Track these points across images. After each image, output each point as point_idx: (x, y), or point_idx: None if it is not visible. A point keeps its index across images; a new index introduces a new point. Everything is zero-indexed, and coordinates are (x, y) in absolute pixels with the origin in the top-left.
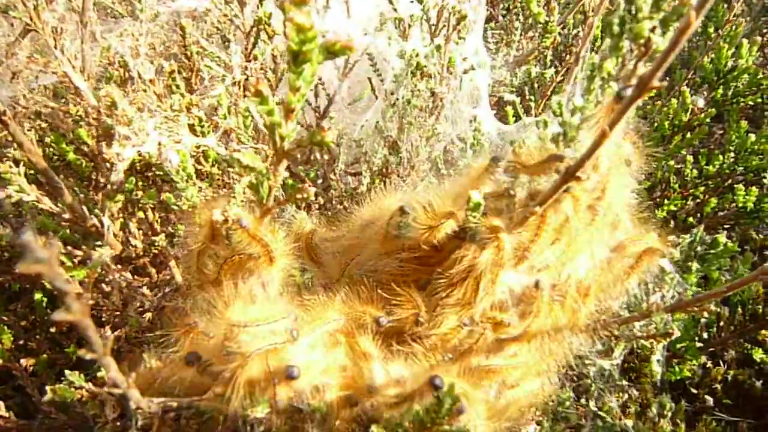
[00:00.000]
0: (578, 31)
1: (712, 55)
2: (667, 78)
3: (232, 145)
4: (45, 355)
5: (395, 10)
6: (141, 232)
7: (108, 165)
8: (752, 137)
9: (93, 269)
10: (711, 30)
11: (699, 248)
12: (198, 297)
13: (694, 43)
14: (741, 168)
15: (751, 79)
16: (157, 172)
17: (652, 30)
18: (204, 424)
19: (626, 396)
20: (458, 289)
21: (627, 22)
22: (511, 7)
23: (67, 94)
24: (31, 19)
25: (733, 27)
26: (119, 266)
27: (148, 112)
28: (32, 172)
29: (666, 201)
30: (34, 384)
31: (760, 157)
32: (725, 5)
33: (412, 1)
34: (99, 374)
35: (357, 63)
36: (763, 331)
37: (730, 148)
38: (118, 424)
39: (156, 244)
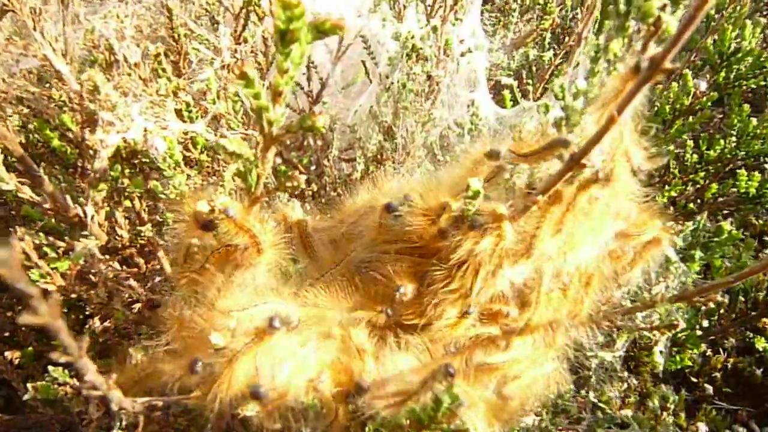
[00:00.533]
0: (577, 13)
1: (715, 37)
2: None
3: (222, 131)
4: (31, 348)
5: None
6: (128, 221)
7: (92, 152)
8: (754, 121)
9: (75, 261)
10: (713, 11)
11: (702, 236)
12: (186, 289)
13: (696, 25)
14: (742, 153)
15: (754, 62)
16: (144, 160)
17: (662, 8)
18: (194, 420)
19: (625, 386)
20: (456, 280)
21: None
22: None
23: (51, 78)
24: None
25: (737, 8)
26: (107, 257)
27: (133, 97)
28: (14, 159)
29: (666, 187)
30: (20, 377)
31: (762, 141)
32: None
33: None
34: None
35: (350, 46)
36: (764, 319)
37: (732, 132)
38: (104, 421)
39: (142, 234)
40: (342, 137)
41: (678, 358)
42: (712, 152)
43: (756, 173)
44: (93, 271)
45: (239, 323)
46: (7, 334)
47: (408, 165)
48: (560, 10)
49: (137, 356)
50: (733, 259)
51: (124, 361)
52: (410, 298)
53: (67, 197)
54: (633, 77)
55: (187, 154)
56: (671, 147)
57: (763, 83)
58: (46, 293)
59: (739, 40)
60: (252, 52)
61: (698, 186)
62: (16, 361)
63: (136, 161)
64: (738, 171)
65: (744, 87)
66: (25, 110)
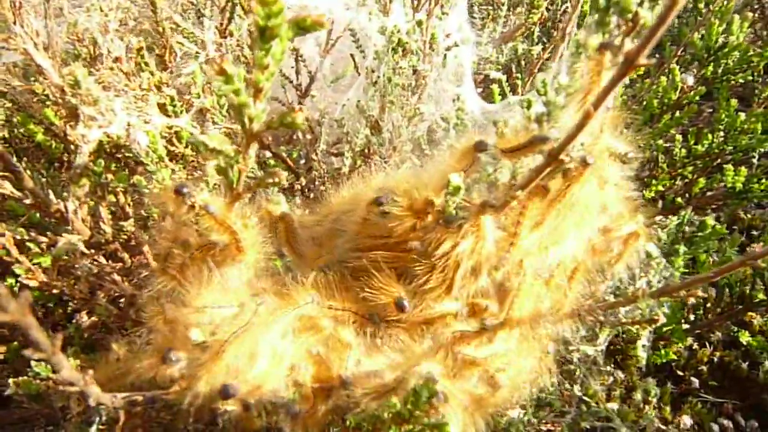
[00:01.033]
0: (566, 7)
1: (703, 32)
2: (657, 55)
3: (208, 125)
4: (16, 342)
5: None
6: (113, 216)
7: (74, 147)
8: (742, 116)
9: (57, 256)
10: (701, 5)
11: (687, 230)
12: (169, 285)
13: (684, 19)
14: (730, 147)
15: (741, 56)
16: (128, 154)
17: (640, 4)
18: (178, 414)
19: (611, 379)
20: (437, 276)
21: None
22: None
23: (35, 73)
24: None
25: (725, 2)
26: (92, 251)
27: (115, 92)
28: None
29: (654, 181)
30: (6, 372)
31: (750, 136)
32: None
33: None
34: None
35: (339, 39)
36: (750, 313)
37: (720, 126)
38: (86, 416)
39: (125, 229)
40: (331, 131)
41: (664, 351)
42: (700, 147)
43: (743, 168)
44: (75, 266)
45: (221, 322)
46: None
47: (395, 160)
48: (550, 4)
49: (119, 351)
50: (719, 253)
51: (107, 355)
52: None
53: (50, 192)
54: (600, 62)
55: (172, 148)
56: (660, 141)
57: (750, 78)
58: (27, 289)
59: (726, 34)
60: (238, 45)
61: (686, 180)
62: (1, 356)
63: (120, 156)
64: (725, 166)
65: (732, 82)
66: (8, 104)
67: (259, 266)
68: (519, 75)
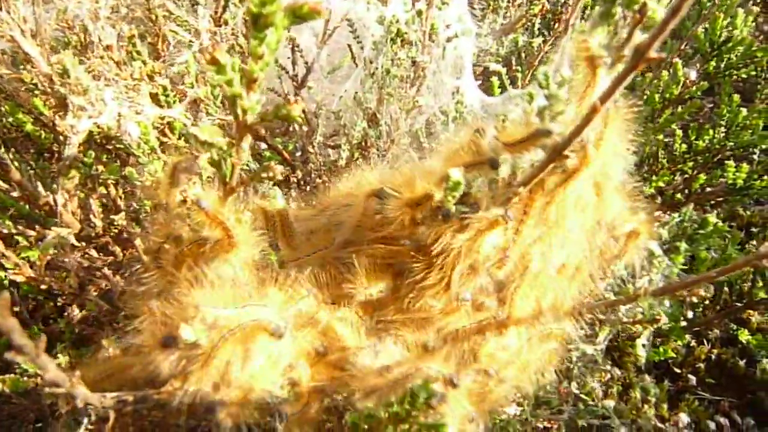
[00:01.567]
0: None
1: (706, 25)
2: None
3: (201, 116)
4: (5, 337)
5: None
6: (104, 208)
7: (63, 138)
8: (744, 111)
9: (45, 251)
10: None
11: (688, 227)
12: (160, 280)
13: (687, 12)
14: (731, 143)
15: (745, 51)
16: (119, 146)
17: None
18: (169, 413)
19: (608, 376)
20: (435, 273)
21: None
22: None
23: (22, 61)
24: None
25: None
26: (83, 244)
27: (105, 81)
28: None
29: (654, 177)
30: None
31: (752, 132)
32: None
33: None
34: (56, 361)
35: (336, 29)
36: (749, 311)
37: (721, 122)
38: (73, 415)
39: (116, 223)
40: (327, 123)
41: (662, 349)
42: (700, 142)
43: (744, 164)
44: (64, 260)
45: (216, 323)
46: None
47: (393, 152)
48: None
49: (110, 349)
50: (718, 250)
51: (98, 352)
52: (388, 295)
53: (39, 184)
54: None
55: (164, 139)
56: (660, 136)
57: (753, 73)
58: (15, 284)
59: (730, 28)
60: (233, 34)
61: (686, 176)
62: None
63: (110, 147)
64: (726, 162)
65: (734, 77)
66: None
67: (254, 261)
68: (519, 67)
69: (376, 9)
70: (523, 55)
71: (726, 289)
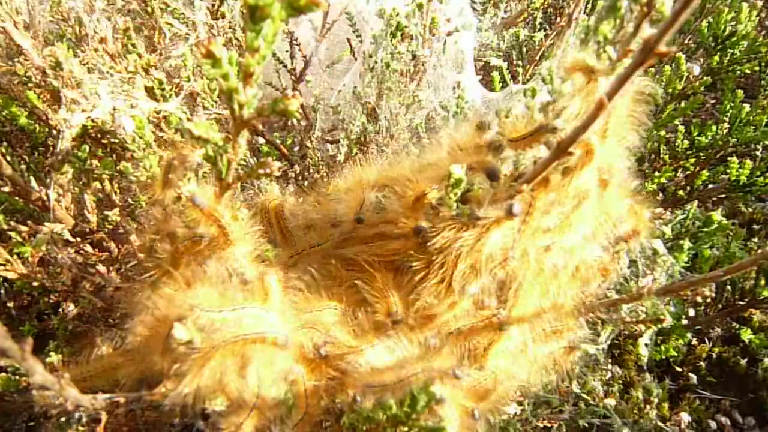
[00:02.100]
0: None
1: (710, 19)
2: None
3: (198, 110)
4: None
5: None
6: (98, 203)
7: (56, 132)
8: (747, 107)
9: (37, 247)
10: None
11: (691, 224)
12: (156, 279)
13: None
14: (734, 139)
15: (749, 46)
16: (113, 140)
17: None
18: (164, 414)
19: (609, 375)
20: (435, 272)
21: None
22: None
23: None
24: None
25: None
26: (77, 239)
27: (99, 74)
28: None
29: (656, 173)
30: None
31: (755, 128)
32: None
33: None
34: (48, 359)
35: (335, 23)
36: (751, 310)
37: (724, 118)
38: (65, 416)
39: (109, 219)
40: (326, 118)
41: (663, 347)
42: (703, 138)
43: (747, 161)
44: (57, 257)
45: (212, 324)
46: None
47: (392, 148)
48: None
49: (104, 347)
50: (721, 248)
51: (92, 349)
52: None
53: (32, 179)
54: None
55: (160, 134)
56: (662, 132)
57: (757, 68)
58: (6, 281)
59: (734, 23)
60: (230, 27)
61: (688, 172)
62: None
63: (105, 141)
64: (729, 159)
65: (738, 72)
66: None
67: (251, 258)
68: (520, 62)
69: (376, 2)
70: (524, 49)
71: (728, 287)
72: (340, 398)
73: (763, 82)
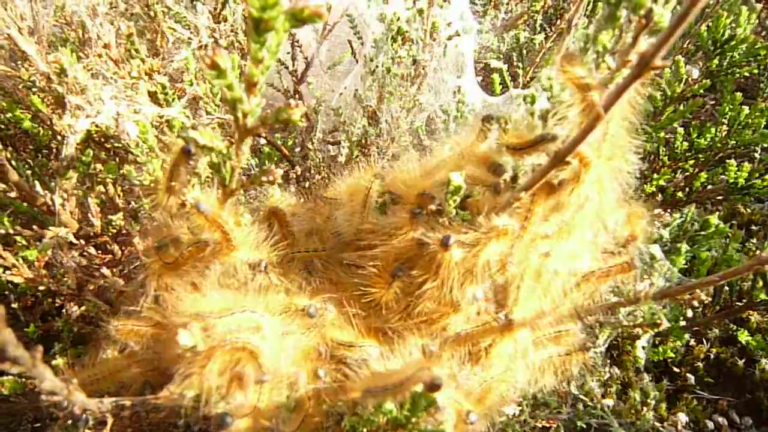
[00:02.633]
0: None
1: (709, 23)
2: None
3: (201, 114)
4: None
5: None
6: (102, 206)
7: (61, 137)
8: (746, 110)
9: (43, 252)
10: None
11: (689, 227)
12: (159, 281)
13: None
14: (733, 142)
15: (748, 49)
16: (117, 144)
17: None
18: (168, 416)
19: (607, 375)
20: (434, 277)
21: None
22: None
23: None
24: None
25: None
26: (82, 242)
27: (103, 80)
28: None
29: (655, 175)
30: None
31: (754, 130)
32: None
33: None
34: (54, 362)
35: (336, 25)
36: (749, 312)
37: (723, 120)
38: (71, 419)
39: (113, 223)
40: (327, 119)
41: (661, 348)
42: (702, 140)
43: (746, 163)
44: (62, 260)
45: (214, 328)
46: None
47: (393, 150)
48: None
49: (109, 351)
50: (719, 250)
51: (97, 351)
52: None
53: (36, 184)
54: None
55: (163, 137)
56: (661, 134)
57: (756, 71)
58: (12, 285)
59: (733, 26)
60: (232, 31)
61: (687, 174)
62: None
63: (109, 146)
64: (727, 161)
65: (737, 75)
66: None
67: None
68: (520, 64)
69: (377, 5)
70: (524, 51)
71: (726, 289)
72: (341, 401)
73: (761, 84)
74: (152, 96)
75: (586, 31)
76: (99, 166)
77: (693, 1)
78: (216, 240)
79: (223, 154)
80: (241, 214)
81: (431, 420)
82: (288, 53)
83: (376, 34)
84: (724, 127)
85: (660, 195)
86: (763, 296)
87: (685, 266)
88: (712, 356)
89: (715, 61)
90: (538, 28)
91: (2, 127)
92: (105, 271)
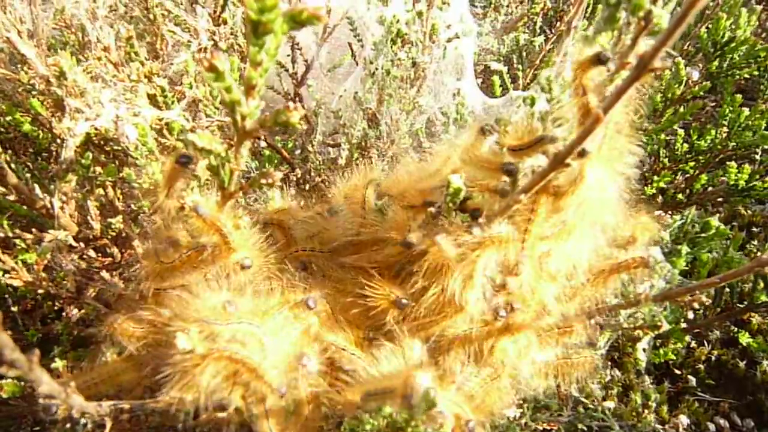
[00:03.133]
0: None
1: (709, 25)
2: None
3: (200, 117)
4: None
5: None
6: (101, 208)
7: (60, 140)
8: (746, 111)
9: (42, 255)
10: None
11: (689, 229)
12: (158, 285)
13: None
14: (733, 143)
15: (748, 51)
16: (116, 147)
17: (653, 1)
18: (168, 418)
19: (608, 377)
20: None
21: None
22: None
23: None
24: None
25: None
26: (81, 245)
27: (102, 83)
28: None
29: (655, 177)
30: None
31: (754, 132)
32: None
33: None
34: (53, 365)
35: (336, 27)
36: (750, 313)
37: (723, 122)
38: (70, 422)
39: (113, 226)
40: (327, 122)
41: (662, 351)
42: (702, 142)
43: (746, 165)
44: (62, 264)
45: (212, 335)
46: None
47: (393, 153)
48: None
49: (108, 354)
50: (720, 251)
51: (96, 355)
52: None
53: (36, 187)
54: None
55: (163, 140)
56: (662, 136)
57: (756, 73)
58: (12, 288)
59: (733, 28)
60: (232, 33)
61: (688, 176)
62: None
63: (108, 148)
64: (728, 163)
65: (737, 76)
66: None
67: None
68: (520, 66)
69: (377, 8)
70: (524, 53)
71: (727, 290)
72: (340, 405)
73: (762, 86)
74: (152, 99)
75: (585, 33)
76: (98, 169)
77: (692, 2)
78: (215, 243)
79: (221, 157)
80: (240, 217)
81: (431, 423)
82: (288, 56)
83: (376, 37)
84: (725, 129)
85: (660, 197)
86: (764, 298)
87: (686, 268)
88: (713, 358)
89: (715, 63)
90: (538, 31)
91: (2, 130)
92: (104, 274)
